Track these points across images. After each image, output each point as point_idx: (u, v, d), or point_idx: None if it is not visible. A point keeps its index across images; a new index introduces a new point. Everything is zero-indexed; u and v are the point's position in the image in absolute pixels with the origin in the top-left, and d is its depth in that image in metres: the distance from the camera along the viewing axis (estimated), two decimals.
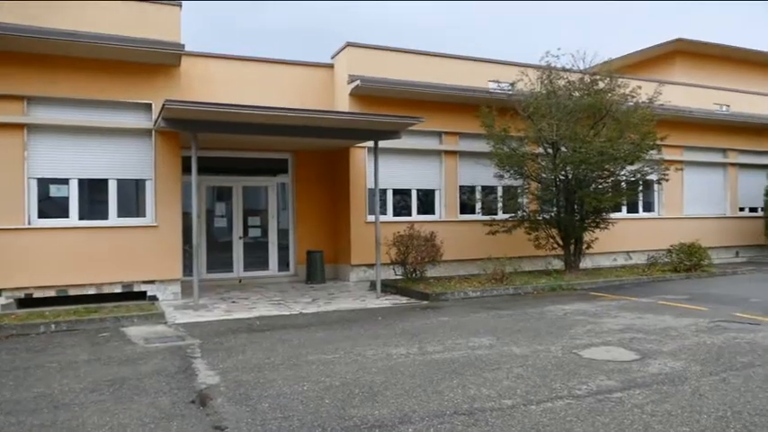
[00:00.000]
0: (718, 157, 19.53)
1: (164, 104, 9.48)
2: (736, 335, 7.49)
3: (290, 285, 13.58)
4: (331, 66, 14.54)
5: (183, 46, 11.06)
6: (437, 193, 15.02)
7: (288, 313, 9.81)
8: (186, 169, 11.23)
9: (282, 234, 14.81)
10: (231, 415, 4.75)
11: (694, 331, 7.77)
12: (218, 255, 14.13)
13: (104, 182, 11.09)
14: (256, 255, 14.55)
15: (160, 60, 11.08)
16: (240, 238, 14.33)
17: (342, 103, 13.91)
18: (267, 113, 10.13)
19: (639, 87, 13.93)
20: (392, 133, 11.85)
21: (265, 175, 14.71)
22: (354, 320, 9.07)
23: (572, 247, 14.22)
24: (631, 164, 13.95)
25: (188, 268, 12.05)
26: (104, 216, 11.07)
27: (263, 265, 14.57)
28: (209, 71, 13.09)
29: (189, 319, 9.22)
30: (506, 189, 15.04)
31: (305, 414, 4.73)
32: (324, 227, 14.78)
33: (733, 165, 19.73)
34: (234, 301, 11.08)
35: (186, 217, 11.73)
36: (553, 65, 13.75)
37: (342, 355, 6.74)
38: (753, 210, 20.12)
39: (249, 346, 7.29)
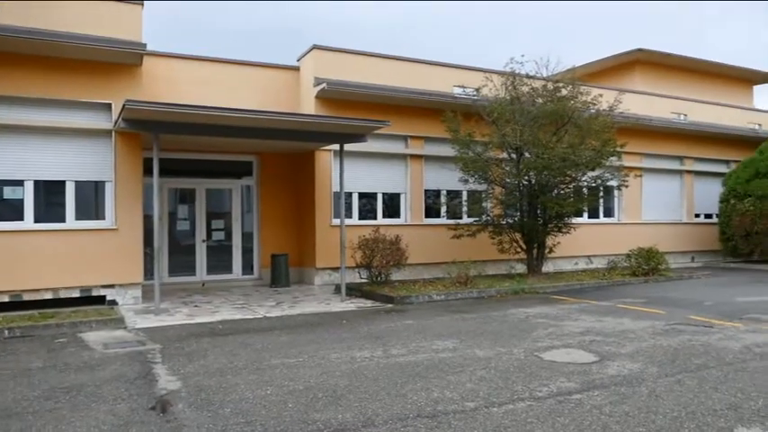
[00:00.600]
0: (675, 165, 20.11)
1: (124, 105, 9.29)
2: (690, 337, 7.71)
3: (254, 289, 13.44)
4: (297, 68, 14.47)
5: (145, 45, 10.86)
6: (403, 197, 15.08)
7: (251, 317, 9.70)
8: (148, 171, 11.03)
9: (247, 237, 14.66)
10: (192, 421, 4.68)
11: (651, 334, 7.97)
12: (181, 258, 13.90)
13: (62, 183, 10.79)
14: (220, 258, 14.37)
15: (121, 59, 10.86)
16: (203, 241, 14.12)
17: (308, 105, 13.86)
18: (231, 115, 10.02)
19: (601, 95, 14.26)
20: (358, 136, 11.87)
21: (230, 178, 14.54)
22: (319, 324, 9.02)
23: (535, 252, 14.44)
24: (592, 170, 14.26)
25: (149, 272, 11.83)
26: (61, 219, 10.76)
27: (227, 268, 14.40)
28: (172, 71, 12.90)
29: (150, 324, 9.04)
30: (471, 193, 15.19)
31: (268, 419, 4.69)
32: (289, 230, 14.69)
33: (689, 172, 20.35)
34: (196, 305, 10.91)
35: (147, 219, 11.50)
36: (517, 71, 13.95)
37: (306, 358, 6.70)
38: (708, 216, 20.76)
39: (211, 350, 7.19)
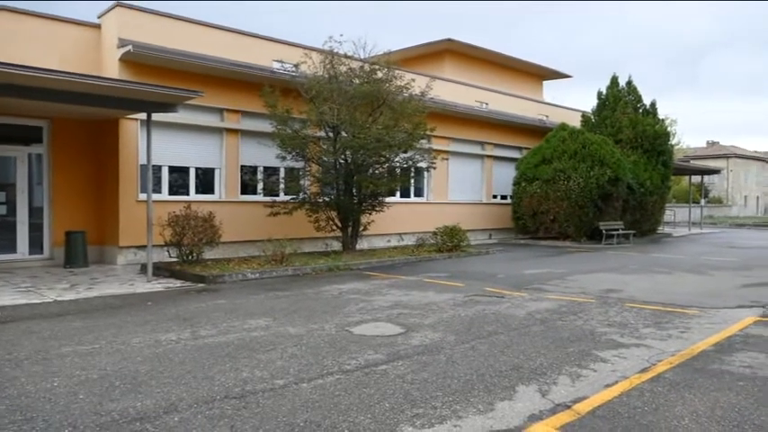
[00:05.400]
0: (477, 150, 21.90)
1: None
2: (485, 307, 8.49)
3: (44, 270, 12.04)
4: (99, 26, 13.09)
5: None
6: (217, 172, 14.50)
7: (39, 301, 8.68)
8: None
9: (36, 212, 13.04)
10: None
11: (452, 305, 8.63)
12: None
13: None
14: (1, 236, 12.61)
15: None
16: None
17: (111, 68, 12.63)
18: (6, 71, 8.68)
19: (413, 80, 14.93)
20: (167, 106, 11.06)
21: (14, 144, 12.76)
22: (120, 307, 8.36)
23: (350, 229, 14.81)
24: (405, 152, 14.95)
25: None
26: None
27: (10, 247, 12.69)
28: None
29: None
30: (289, 171, 15.09)
31: (52, 414, 4.23)
32: (88, 205, 13.36)
33: (489, 157, 22.31)
34: None
35: None
36: (336, 50, 14.06)
37: (103, 344, 6.17)
38: (504, 197, 23.00)
39: None
